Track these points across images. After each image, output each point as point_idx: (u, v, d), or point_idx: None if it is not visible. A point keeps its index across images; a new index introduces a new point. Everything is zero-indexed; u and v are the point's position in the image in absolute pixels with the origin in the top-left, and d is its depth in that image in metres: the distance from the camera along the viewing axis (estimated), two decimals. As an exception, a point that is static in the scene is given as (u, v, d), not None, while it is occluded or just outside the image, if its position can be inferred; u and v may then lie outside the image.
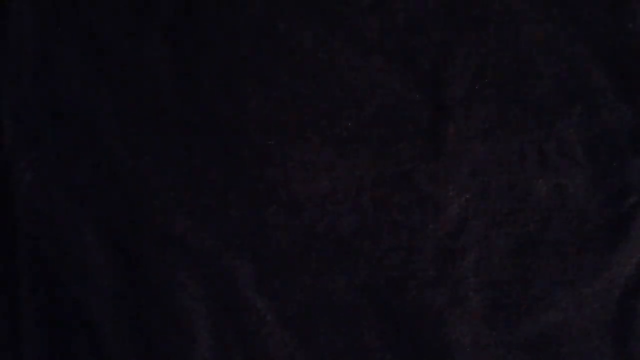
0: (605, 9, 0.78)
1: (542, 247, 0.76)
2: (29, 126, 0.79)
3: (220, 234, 0.77)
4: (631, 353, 0.75)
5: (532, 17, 0.78)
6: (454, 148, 0.77)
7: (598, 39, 0.78)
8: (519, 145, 0.77)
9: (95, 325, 0.76)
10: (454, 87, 0.78)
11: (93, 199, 0.78)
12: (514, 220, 0.76)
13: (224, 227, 0.77)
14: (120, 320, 0.77)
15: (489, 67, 0.78)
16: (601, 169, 0.77)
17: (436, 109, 0.78)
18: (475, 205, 0.77)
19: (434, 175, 0.77)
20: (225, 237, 0.77)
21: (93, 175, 0.78)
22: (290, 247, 0.77)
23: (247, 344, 0.76)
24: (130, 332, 0.77)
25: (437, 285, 0.76)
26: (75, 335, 0.77)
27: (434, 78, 0.78)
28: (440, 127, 0.78)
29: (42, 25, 0.80)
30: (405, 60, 0.79)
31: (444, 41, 0.79)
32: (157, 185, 0.78)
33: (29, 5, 0.80)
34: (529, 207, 0.76)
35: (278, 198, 0.77)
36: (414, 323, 0.76)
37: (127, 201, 0.78)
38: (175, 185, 0.78)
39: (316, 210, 0.77)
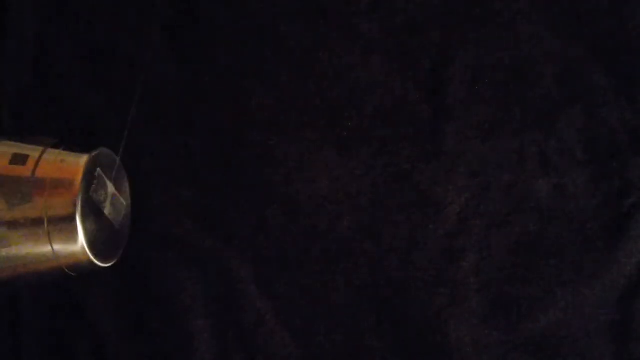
0: (605, 9, 0.78)
1: (542, 247, 0.76)
2: (29, 126, 0.79)
3: (221, 234, 0.77)
4: (631, 353, 0.75)
5: (532, 17, 0.79)
6: (454, 148, 0.77)
7: (598, 39, 0.78)
8: (519, 145, 0.77)
9: (95, 325, 0.76)
10: (454, 87, 0.78)
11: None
12: (514, 220, 0.77)
13: (224, 227, 0.77)
14: (120, 320, 0.77)
15: (489, 67, 0.78)
16: (601, 169, 0.77)
17: (436, 109, 0.78)
18: (475, 205, 0.77)
19: (434, 175, 0.77)
20: (225, 237, 0.77)
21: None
22: (290, 247, 0.77)
23: (247, 344, 0.76)
24: (130, 332, 0.77)
25: (437, 285, 0.76)
26: (76, 335, 0.77)
27: (434, 78, 0.78)
28: (440, 127, 0.78)
29: (42, 25, 0.80)
30: (405, 60, 0.79)
31: (444, 41, 0.79)
32: (157, 184, 0.78)
33: (29, 5, 0.80)
34: (529, 207, 0.77)
35: (278, 198, 0.77)
36: (414, 323, 0.76)
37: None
38: (175, 185, 0.78)
39: (316, 210, 0.77)
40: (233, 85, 0.79)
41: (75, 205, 0.60)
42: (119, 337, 0.76)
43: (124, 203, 0.71)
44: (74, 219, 0.60)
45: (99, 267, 0.64)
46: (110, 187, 0.67)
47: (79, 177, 0.61)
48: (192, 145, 0.78)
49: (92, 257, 0.62)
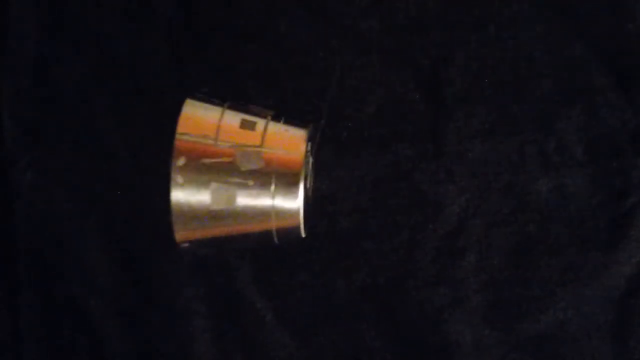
0: (605, 9, 0.78)
1: (542, 247, 0.76)
2: (29, 126, 0.79)
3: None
4: (631, 353, 0.75)
5: (532, 17, 0.78)
6: (454, 148, 0.77)
7: (598, 39, 0.78)
8: (519, 145, 0.77)
9: (95, 325, 0.77)
10: (454, 87, 0.78)
11: (93, 199, 0.78)
12: (514, 220, 0.77)
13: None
14: (120, 320, 0.77)
15: (489, 67, 0.78)
16: (601, 169, 0.77)
17: (436, 109, 0.78)
18: (475, 205, 0.77)
19: (434, 175, 0.77)
20: (225, 237, 0.77)
21: (93, 175, 0.78)
22: (290, 247, 0.77)
23: (247, 344, 0.76)
24: (130, 332, 0.77)
25: (437, 285, 0.76)
26: (75, 335, 0.77)
27: (434, 78, 0.78)
28: (440, 127, 0.78)
29: (42, 26, 0.80)
30: (405, 60, 0.79)
31: (444, 41, 0.79)
32: (157, 185, 0.78)
33: (29, 5, 0.80)
34: (529, 207, 0.77)
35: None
36: (414, 323, 0.76)
37: (127, 201, 0.78)
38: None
39: (316, 210, 0.77)
40: (233, 85, 0.79)
41: (299, 174, 0.65)
42: (119, 337, 0.76)
43: (314, 178, 0.74)
44: (297, 185, 0.65)
45: (299, 235, 0.68)
46: (311, 161, 0.71)
47: (303, 147, 0.66)
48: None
49: (301, 221, 0.66)
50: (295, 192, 0.65)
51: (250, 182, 0.64)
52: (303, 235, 0.68)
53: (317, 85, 0.79)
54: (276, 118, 0.67)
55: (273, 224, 0.66)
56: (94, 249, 0.77)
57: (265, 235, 0.67)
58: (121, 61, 0.79)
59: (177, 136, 0.64)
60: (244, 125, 0.65)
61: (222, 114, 0.66)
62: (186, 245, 0.66)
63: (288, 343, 0.76)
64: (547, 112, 0.77)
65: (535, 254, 0.76)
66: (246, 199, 0.64)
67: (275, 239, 0.67)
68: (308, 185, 0.70)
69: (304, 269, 0.77)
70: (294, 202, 0.65)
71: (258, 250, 0.77)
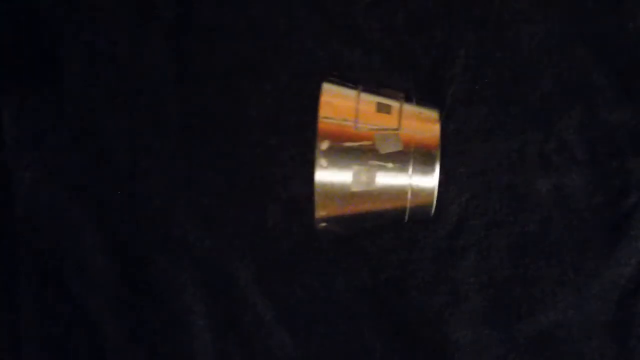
0: (605, 9, 0.78)
1: (542, 247, 0.76)
2: (29, 126, 0.79)
3: (220, 234, 0.77)
4: (631, 353, 0.75)
5: (532, 17, 0.78)
6: (454, 148, 0.77)
7: (598, 39, 0.78)
8: (519, 145, 0.77)
9: (95, 325, 0.77)
10: (454, 87, 0.78)
11: (93, 199, 0.78)
12: (514, 220, 0.77)
13: (224, 227, 0.77)
14: (120, 320, 0.77)
15: (489, 67, 0.78)
16: (601, 169, 0.77)
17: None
18: (475, 205, 0.77)
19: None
20: (225, 237, 0.77)
21: (93, 175, 0.78)
22: (290, 247, 0.77)
23: (247, 344, 0.76)
24: (130, 332, 0.77)
25: (437, 285, 0.76)
26: (75, 335, 0.77)
27: (434, 78, 0.78)
28: (440, 127, 0.78)
29: (42, 25, 0.80)
30: (406, 60, 0.79)
31: (444, 41, 0.79)
32: (157, 185, 0.78)
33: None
34: (529, 207, 0.77)
35: (278, 198, 0.77)
36: (414, 323, 0.76)
37: (127, 201, 0.78)
38: (175, 185, 0.78)
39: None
40: (233, 85, 0.79)
41: (436, 153, 0.67)
42: (119, 337, 0.76)
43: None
44: (434, 164, 0.67)
45: (430, 213, 0.70)
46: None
47: (437, 127, 0.68)
48: (192, 146, 0.78)
49: (434, 199, 0.68)
50: (432, 171, 0.67)
51: (390, 165, 0.66)
52: (431, 214, 0.70)
53: (317, 86, 0.79)
54: (408, 99, 0.69)
55: (408, 203, 0.67)
56: (94, 249, 0.77)
57: (398, 213, 0.68)
58: (121, 61, 0.79)
59: (320, 120, 0.66)
60: (381, 108, 0.67)
61: (358, 97, 0.68)
62: (324, 224, 0.68)
63: (288, 343, 0.76)
64: (547, 112, 0.77)
65: (535, 254, 0.76)
66: (385, 180, 0.66)
67: (407, 217, 0.69)
68: None
69: (304, 269, 0.77)
70: (430, 181, 0.67)
71: (258, 250, 0.77)
